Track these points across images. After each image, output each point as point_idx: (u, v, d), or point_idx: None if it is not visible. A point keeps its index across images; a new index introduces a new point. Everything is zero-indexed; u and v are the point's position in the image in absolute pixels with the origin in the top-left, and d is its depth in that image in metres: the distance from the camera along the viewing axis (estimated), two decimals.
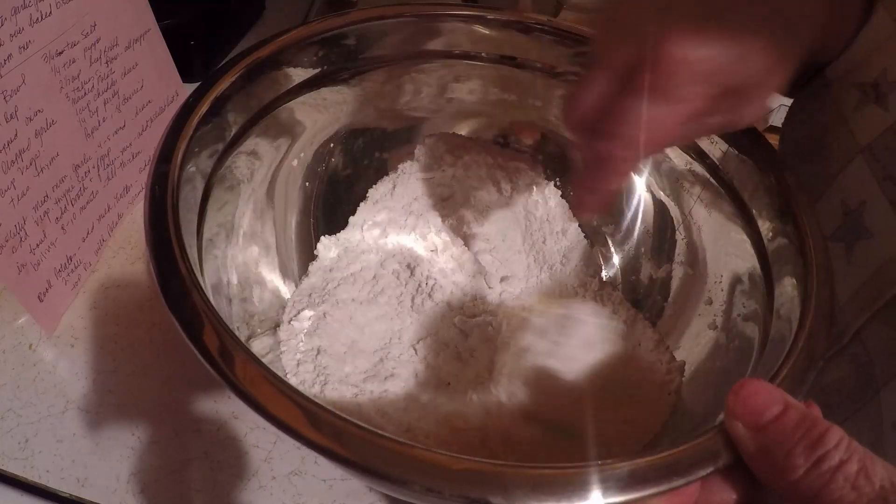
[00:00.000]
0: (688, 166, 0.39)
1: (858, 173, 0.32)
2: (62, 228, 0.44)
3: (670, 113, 0.27)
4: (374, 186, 0.44)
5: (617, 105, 0.27)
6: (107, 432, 0.39)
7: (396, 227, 0.44)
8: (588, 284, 0.43)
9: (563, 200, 0.46)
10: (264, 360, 0.24)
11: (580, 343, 0.36)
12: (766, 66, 0.27)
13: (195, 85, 0.33)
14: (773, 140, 0.37)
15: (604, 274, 0.44)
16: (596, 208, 0.31)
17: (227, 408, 0.41)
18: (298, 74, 0.38)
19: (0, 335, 0.43)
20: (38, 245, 0.41)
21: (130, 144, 0.50)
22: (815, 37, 0.29)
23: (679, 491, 0.22)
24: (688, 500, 0.22)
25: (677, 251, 0.41)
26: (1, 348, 0.43)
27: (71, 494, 0.37)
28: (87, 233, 0.47)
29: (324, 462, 0.39)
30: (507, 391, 0.36)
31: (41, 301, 0.42)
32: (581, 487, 0.21)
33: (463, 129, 0.46)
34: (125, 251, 0.49)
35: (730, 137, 0.36)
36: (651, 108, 0.26)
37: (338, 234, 0.43)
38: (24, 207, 0.40)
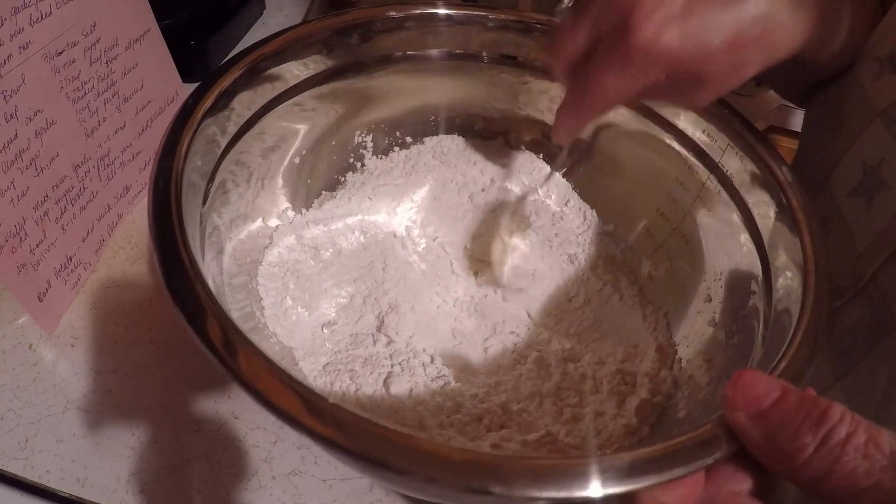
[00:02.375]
0: (687, 164, 0.39)
1: (876, 134, 0.34)
2: (62, 228, 0.44)
3: (626, 85, 0.30)
4: (371, 184, 0.45)
5: (585, 65, 0.31)
6: (107, 432, 0.39)
7: (396, 224, 0.44)
8: (599, 268, 0.43)
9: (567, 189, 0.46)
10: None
11: None
12: (729, 69, 0.30)
13: (195, 85, 0.33)
14: (773, 140, 0.37)
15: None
16: (570, 133, 0.36)
17: (227, 408, 0.41)
18: (300, 72, 0.38)
19: (0, 335, 0.43)
20: (38, 245, 0.41)
21: (130, 144, 0.50)
22: (797, 45, 0.31)
23: (681, 482, 0.22)
24: (692, 492, 0.22)
25: (677, 248, 0.41)
26: (1, 348, 0.43)
27: (71, 494, 0.37)
28: (87, 233, 0.47)
29: (324, 462, 0.39)
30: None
31: (41, 301, 0.42)
32: (580, 477, 0.21)
33: (464, 128, 0.46)
34: (125, 251, 0.49)
35: (729, 135, 0.37)
36: (611, 77, 0.30)
37: (335, 228, 0.43)
38: (24, 207, 0.40)
